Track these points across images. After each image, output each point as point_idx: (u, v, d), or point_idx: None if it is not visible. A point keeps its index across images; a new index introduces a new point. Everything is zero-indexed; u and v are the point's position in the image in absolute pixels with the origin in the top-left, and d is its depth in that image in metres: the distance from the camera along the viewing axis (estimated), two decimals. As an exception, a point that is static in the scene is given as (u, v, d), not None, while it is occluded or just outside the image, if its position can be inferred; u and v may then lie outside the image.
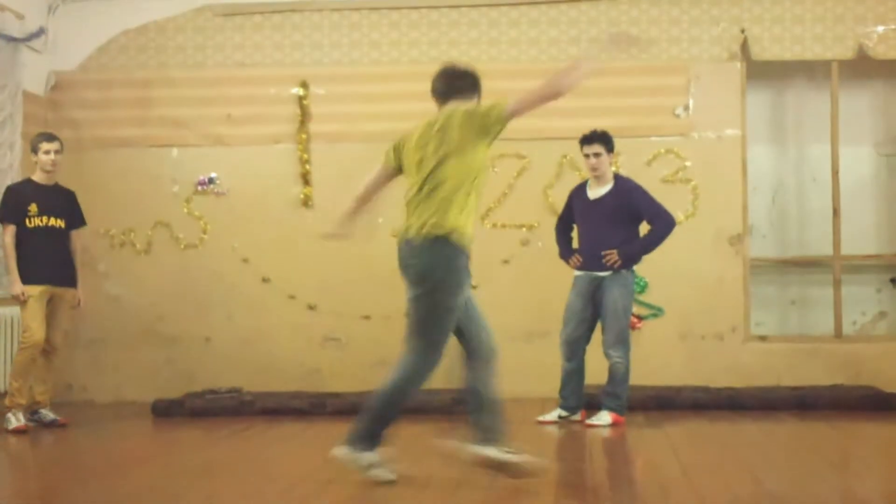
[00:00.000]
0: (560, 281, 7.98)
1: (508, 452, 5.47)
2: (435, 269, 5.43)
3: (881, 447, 7.04)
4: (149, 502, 5.26)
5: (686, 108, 9.45)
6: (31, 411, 8.03)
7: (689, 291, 9.28)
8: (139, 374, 9.48)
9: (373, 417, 5.52)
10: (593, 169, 7.75)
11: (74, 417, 8.63)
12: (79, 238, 8.32)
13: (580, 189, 7.98)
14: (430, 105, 5.81)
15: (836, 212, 9.45)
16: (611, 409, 7.65)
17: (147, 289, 9.57)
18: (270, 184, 9.53)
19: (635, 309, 9.17)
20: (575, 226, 8.04)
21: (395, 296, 9.30)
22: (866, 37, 9.37)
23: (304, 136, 9.51)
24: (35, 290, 7.91)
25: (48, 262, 8.01)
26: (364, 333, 9.39)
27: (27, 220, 8.00)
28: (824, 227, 9.54)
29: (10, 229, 7.98)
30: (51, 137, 8.15)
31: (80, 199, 9.54)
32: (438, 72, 5.82)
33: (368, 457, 5.49)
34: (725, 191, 9.37)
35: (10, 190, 8.17)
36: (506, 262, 9.42)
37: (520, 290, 9.32)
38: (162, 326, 9.54)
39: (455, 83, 5.75)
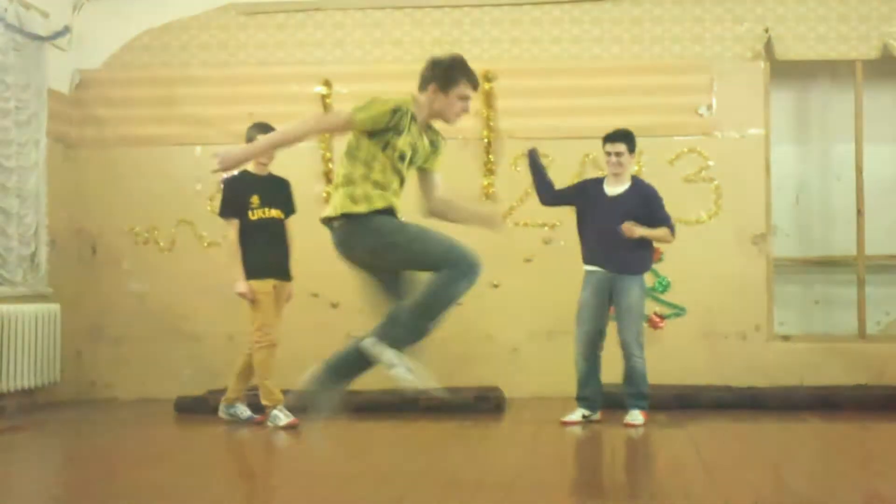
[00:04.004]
0: (582, 279, 7.96)
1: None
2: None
3: (905, 448, 7.01)
4: (168, 498, 5.27)
5: (709, 107, 9.43)
6: (228, 405, 7.98)
7: (712, 291, 9.25)
8: (162, 371, 9.51)
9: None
10: (613, 168, 7.73)
11: (98, 415, 8.69)
12: (291, 227, 8.03)
13: (597, 183, 7.93)
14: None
15: (860, 211, 9.41)
16: (639, 407, 7.64)
17: (170, 286, 9.60)
18: (293, 182, 9.51)
19: (658, 308, 9.18)
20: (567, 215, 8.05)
21: (418, 294, 9.36)
22: (891, 36, 9.32)
23: (326, 134, 9.53)
24: (266, 286, 7.74)
25: (273, 255, 7.82)
26: (386, 332, 9.37)
27: (250, 213, 7.80)
28: (848, 226, 9.50)
29: (235, 224, 7.78)
30: (267, 128, 7.69)
31: (103, 198, 9.64)
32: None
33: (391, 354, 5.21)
34: (749, 190, 9.34)
35: (230, 183, 7.95)
36: (528, 260, 9.42)
37: (542, 288, 9.31)
38: (185, 324, 9.58)
39: None
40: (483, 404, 8.36)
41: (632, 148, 7.75)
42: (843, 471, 6.00)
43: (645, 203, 7.70)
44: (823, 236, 9.78)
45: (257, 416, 7.90)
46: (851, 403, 8.40)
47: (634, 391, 7.67)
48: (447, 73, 5.30)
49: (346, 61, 9.69)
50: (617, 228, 7.62)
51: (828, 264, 9.72)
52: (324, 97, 9.57)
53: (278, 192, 7.96)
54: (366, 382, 9.10)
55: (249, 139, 7.82)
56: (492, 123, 9.36)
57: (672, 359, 8.93)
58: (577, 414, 7.73)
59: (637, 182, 7.82)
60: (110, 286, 9.66)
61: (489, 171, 9.35)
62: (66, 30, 9.39)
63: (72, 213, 9.58)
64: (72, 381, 9.45)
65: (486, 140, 9.35)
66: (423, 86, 5.35)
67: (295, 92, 9.62)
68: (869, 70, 9.45)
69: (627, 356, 7.65)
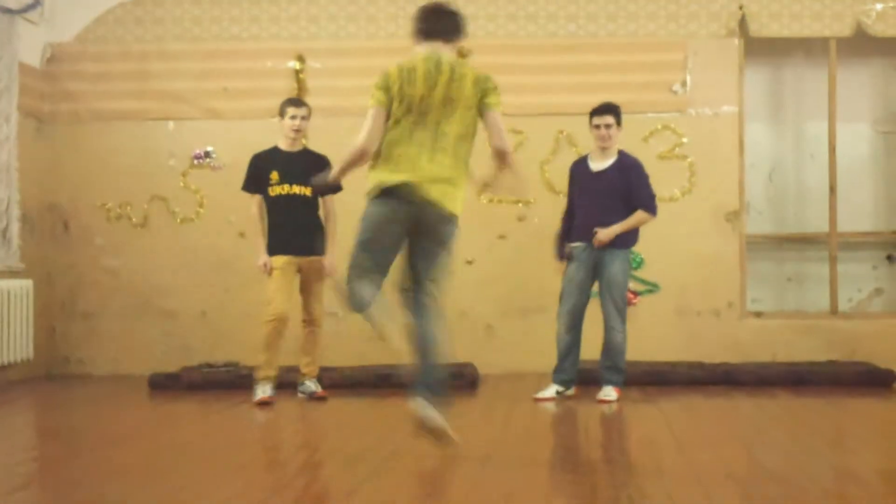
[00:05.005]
0: (556, 256, 7.97)
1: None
2: (452, 240, 5.68)
3: (875, 423, 7.07)
4: (139, 476, 5.27)
5: (683, 84, 9.44)
6: (299, 383, 7.92)
7: (685, 268, 9.29)
8: (136, 347, 9.49)
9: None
10: (602, 140, 7.75)
11: (71, 391, 8.67)
12: (330, 204, 7.91)
13: (581, 162, 7.98)
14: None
15: (832, 189, 9.46)
16: (613, 383, 7.68)
17: (144, 262, 9.56)
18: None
19: (632, 285, 9.19)
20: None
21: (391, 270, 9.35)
22: (865, 14, 9.35)
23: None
24: (279, 262, 7.70)
25: (292, 231, 7.74)
26: (360, 308, 9.36)
27: (269, 189, 7.78)
28: (821, 204, 9.56)
29: (257, 199, 7.83)
30: (299, 103, 7.91)
31: (76, 173, 9.57)
32: (433, 9, 5.79)
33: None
34: (722, 167, 9.37)
35: (254, 158, 7.95)
36: (502, 237, 9.42)
37: (515, 265, 9.33)
38: (158, 300, 9.55)
39: (442, 24, 5.74)
40: (457, 381, 8.36)
41: (619, 121, 7.77)
42: (815, 447, 6.04)
43: (627, 174, 7.72)
44: (796, 214, 9.82)
45: (318, 392, 7.90)
46: (823, 380, 8.46)
47: (610, 364, 7.69)
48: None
49: (321, 37, 9.64)
50: (600, 203, 7.67)
51: (800, 241, 9.77)
52: (297, 72, 9.54)
53: (307, 168, 7.69)
54: (337, 359, 9.13)
55: (282, 113, 7.89)
56: (467, 100, 9.32)
57: (645, 335, 8.96)
58: (551, 391, 7.75)
59: (622, 156, 7.83)
60: (83, 262, 9.61)
61: (464, 148, 9.32)
62: (38, 3, 9.29)
63: (44, 188, 9.52)
64: (45, 358, 9.42)
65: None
66: (457, 39, 5.80)
67: (269, 67, 9.59)
68: (843, 48, 9.48)
69: (608, 328, 7.70)
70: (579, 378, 7.88)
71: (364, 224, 5.55)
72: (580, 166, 7.96)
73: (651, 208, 7.75)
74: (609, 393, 7.63)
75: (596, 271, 7.76)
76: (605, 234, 7.63)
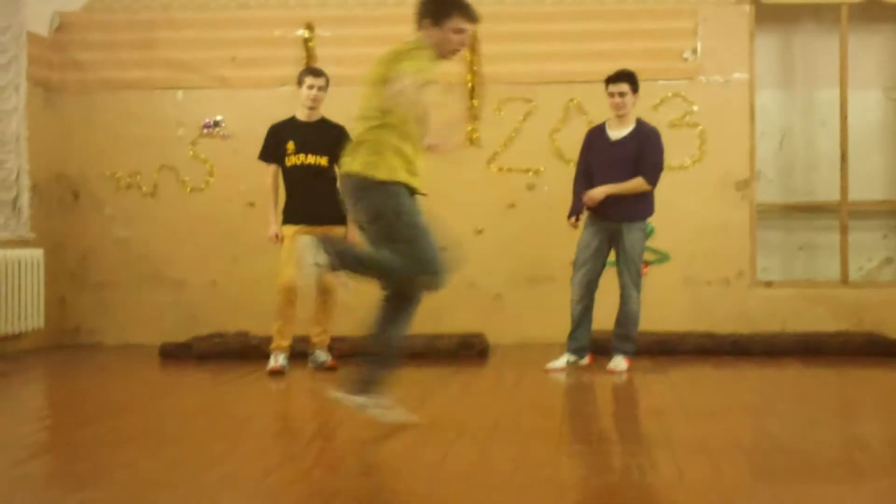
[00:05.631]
0: (566, 226, 7.95)
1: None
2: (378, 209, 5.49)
3: (885, 393, 7.06)
4: (150, 444, 5.29)
5: (694, 51, 9.39)
6: (309, 352, 7.92)
7: (695, 237, 9.27)
8: (145, 317, 9.51)
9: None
10: (617, 108, 7.68)
11: (82, 360, 8.70)
12: None
13: (599, 130, 7.90)
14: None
15: (843, 157, 9.41)
16: (625, 352, 7.67)
17: (153, 232, 9.57)
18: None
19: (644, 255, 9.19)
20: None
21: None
22: (877, -20, 9.29)
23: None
24: (289, 231, 7.69)
25: (307, 201, 7.72)
26: (370, 277, 9.37)
27: (286, 159, 7.77)
28: (832, 172, 9.51)
29: (272, 169, 7.84)
30: (317, 72, 7.89)
31: (85, 142, 9.57)
32: None
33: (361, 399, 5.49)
34: (733, 135, 9.32)
35: (271, 128, 7.94)
36: (511, 206, 9.41)
37: (525, 234, 9.31)
38: (168, 270, 9.56)
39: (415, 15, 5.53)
40: (466, 350, 8.38)
41: (635, 88, 7.69)
42: (824, 416, 6.04)
43: (643, 141, 7.66)
44: (807, 182, 9.78)
45: (329, 361, 7.90)
46: (833, 349, 8.45)
47: (622, 332, 7.68)
48: (439, 6, 5.33)
49: (329, 4, 9.61)
50: (616, 172, 7.60)
51: (811, 210, 9.73)
52: (306, 41, 9.50)
53: (323, 138, 7.75)
54: (348, 329, 9.11)
55: (300, 82, 7.88)
56: (475, 68, 9.31)
57: (655, 305, 8.93)
58: (562, 361, 7.74)
59: (640, 125, 7.76)
60: (93, 232, 9.62)
61: (473, 117, 9.31)
62: (45, -28, 9.28)
63: (53, 158, 9.52)
64: (55, 327, 9.45)
65: (469, 85, 9.30)
66: (419, 23, 5.40)
67: (278, 36, 9.55)
68: (854, 14, 9.41)
69: (625, 298, 7.68)
70: (595, 348, 7.86)
71: None
72: (597, 134, 7.88)
73: (651, 178, 7.65)
74: (619, 363, 7.63)
75: (612, 242, 7.72)
76: (596, 192, 7.56)
